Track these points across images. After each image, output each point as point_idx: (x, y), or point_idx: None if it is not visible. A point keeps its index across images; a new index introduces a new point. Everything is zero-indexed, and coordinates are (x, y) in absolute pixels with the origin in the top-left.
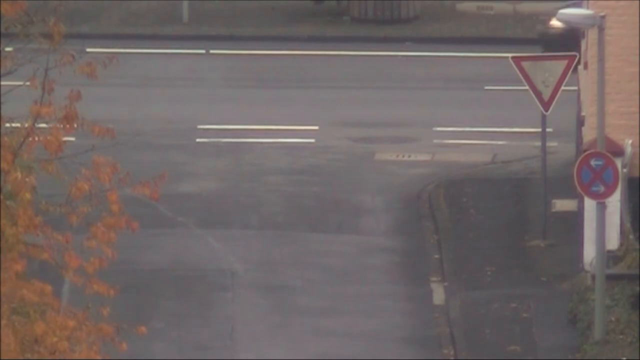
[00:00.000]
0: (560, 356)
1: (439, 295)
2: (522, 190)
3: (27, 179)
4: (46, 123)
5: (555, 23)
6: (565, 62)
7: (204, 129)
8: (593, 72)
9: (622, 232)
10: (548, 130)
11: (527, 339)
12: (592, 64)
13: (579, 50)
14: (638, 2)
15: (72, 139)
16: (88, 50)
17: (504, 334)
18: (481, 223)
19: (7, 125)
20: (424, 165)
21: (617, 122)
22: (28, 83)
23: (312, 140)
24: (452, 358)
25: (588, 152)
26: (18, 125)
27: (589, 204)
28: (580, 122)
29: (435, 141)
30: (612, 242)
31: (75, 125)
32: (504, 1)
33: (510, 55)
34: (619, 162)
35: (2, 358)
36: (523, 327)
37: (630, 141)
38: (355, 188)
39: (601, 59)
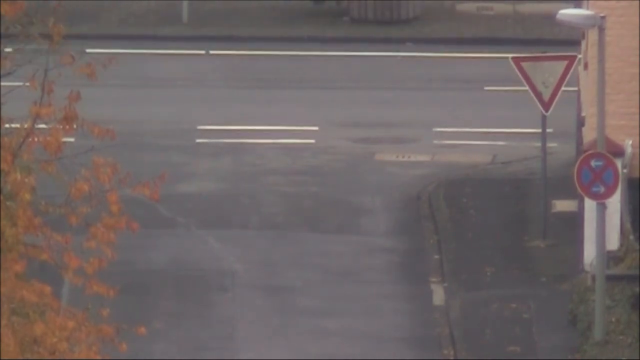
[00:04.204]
0: (560, 356)
1: (438, 295)
2: (522, 191)
3: (26, 180)
4: (46, 124)
5: None
6: (565, 62)
7: (203, 130)
8: (593, 73)
9: (622, 233)
10: (548, 130)
11: (527, 339)
12: (592, 64)
13: None
14: (638, 2)
15: (72, 139)
16: (88, 51)
17: (504, 334)
18: (481, 223)
19: (7, 125)
20: (423, 165)
21: (617, 122)
22: (28, 84)
23: (312, 141)
24: (452, 358)
25: (588, 152)
26: (18, 125)
27: (589, 205)
28: (581, 122)
29: (435, 142)
30: (612, 242)
31: (75, 126)
32: (504, 1)
33: (510, 55)
34: (619, 163)
35: (1, 359)
36: (523, 327)
37: (630, 142)
38: (355, 188)
39: (601, 60)
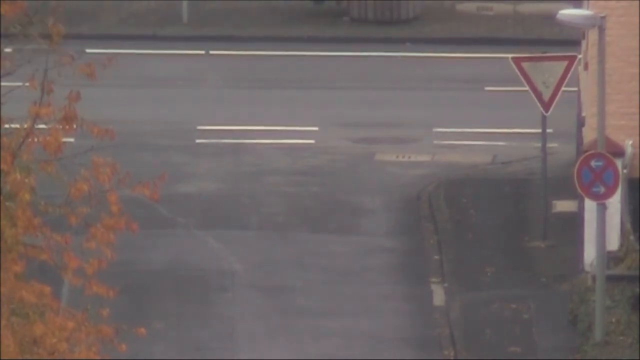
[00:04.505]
0: (561, 357)
1: (439, 296)
2: (522, 191)
3: (26, 180)
4: (45, 124)
5: None
6: (565, 62)
7: (203, 130)
8: (593, 73)
9: (623, 233)
10: (548, 131)
11: (527, 339)
12: (592, 64)
13: None
14: (638, 2)
15: (72, 139)
16: (88, 51)
17: (504, 334)
18: (481, 224)
19: (7, 126)
20: (424, 165)
21: (617, 122)
22: (27, 84)
23: (312, 141)
24: (452, 359)
25: (588, 152)
26: (17, 126)
27: (589, 205)
28: (581, 122)
29: (435, 142)
30: (613, 243)
31: (75, 126)
32: (504, 1)
33: (510, 55)
34: (619, 163)
35: (1, 359)
36: (523, 328)
37: (630, 142)
38: (355, 189)
39: (601, 60)
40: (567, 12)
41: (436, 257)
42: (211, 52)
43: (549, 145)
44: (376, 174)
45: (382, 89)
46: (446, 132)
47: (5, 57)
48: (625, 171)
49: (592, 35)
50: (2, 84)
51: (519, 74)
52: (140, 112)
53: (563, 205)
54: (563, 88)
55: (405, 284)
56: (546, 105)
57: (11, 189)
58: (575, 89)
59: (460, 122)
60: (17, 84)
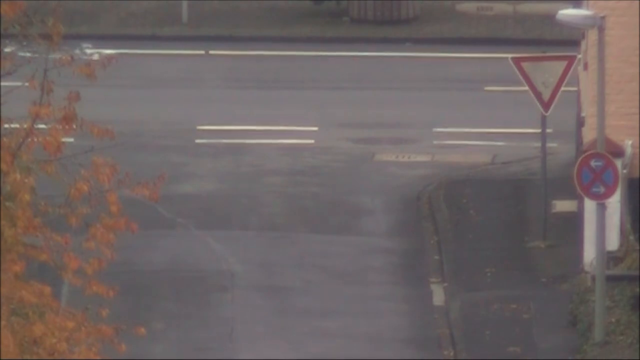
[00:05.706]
0: (561, 357)
1: (438, 296)
2: (522, 191)
3: (26, 180)
4: (45, 124)
5: None
6: (565, 62)
7: (203, 130)
8: (593, 73)
9: (622, 233)
10: (548, 131)
11: (527, 340)
12: (592, 64)
13: None
14: (638, 2)
15: (71, 140)
16: (88, 51)
17: (504, 335)
18: (481, 224)
19: (7, 126)
20: (423, 166)
21: (617, 122)
22: (27, 84)
23: (312, 141)
24: (452, 359)
25: (588, 153)
26: (17, 126)
27: (589, 205)
28: (580, 123)
29: (435, 142)
30: (612, 243)
31: (75, 126)
32: (504, 1)
33: (510, 55)
34: (619, 163)
35: (1, 359)
36: (523, 328)
37: (630, 142)
38: (355, 189)
39: (601, 60)
40: (567, 12)
41: (436, 257)
42: (211, 52)
43: (549, 145)
44: (376, 174)
45: (381, 89)
46: (446, 132)
47: (5, 57)
48: (625, 171)
49: (592, 35)
50: (2, 84)
51: (518, 74)
52: (140, 112)
53: (563, 205)
54: (563, 88)
55: (405, 284)
56: (546, 105)
57: (11, 189)
58: (575, 89)
59: (460, 122)
60: (17, 84)
